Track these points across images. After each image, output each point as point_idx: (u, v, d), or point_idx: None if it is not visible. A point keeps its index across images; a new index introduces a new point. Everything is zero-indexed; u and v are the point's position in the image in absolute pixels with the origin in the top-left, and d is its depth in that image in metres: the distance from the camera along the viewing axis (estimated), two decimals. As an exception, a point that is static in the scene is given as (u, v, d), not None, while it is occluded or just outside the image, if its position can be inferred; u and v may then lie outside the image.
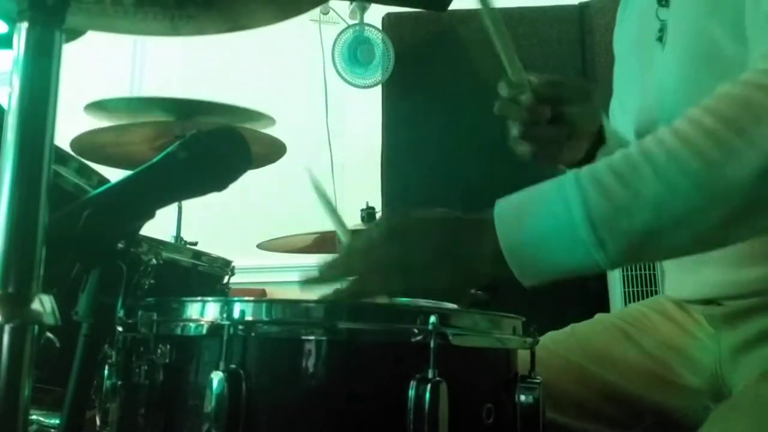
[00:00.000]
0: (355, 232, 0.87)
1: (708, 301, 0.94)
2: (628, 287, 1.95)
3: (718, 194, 0.66)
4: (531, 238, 0.69)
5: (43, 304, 0.50)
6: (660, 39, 0.95)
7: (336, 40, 2.69)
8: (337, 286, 0.73)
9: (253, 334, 0.62)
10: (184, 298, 0.67)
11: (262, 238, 2.11)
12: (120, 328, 0.69)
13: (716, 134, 0.66)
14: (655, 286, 1.91)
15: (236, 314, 0.62)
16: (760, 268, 0.86)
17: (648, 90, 0.98)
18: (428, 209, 0.77)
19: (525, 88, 0.96)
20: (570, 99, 0.99)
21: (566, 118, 0.98)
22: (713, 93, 0.69)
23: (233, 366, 0.61)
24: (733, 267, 0.87)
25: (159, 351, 0.66)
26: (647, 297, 1.31)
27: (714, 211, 0.66)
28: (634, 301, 1.72)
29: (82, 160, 1.25)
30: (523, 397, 0.71)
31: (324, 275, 0.75)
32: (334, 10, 2.89)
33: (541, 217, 0.69)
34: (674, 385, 0.95)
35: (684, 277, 0.98)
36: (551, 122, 0.98)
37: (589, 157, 1.02)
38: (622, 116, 1.13)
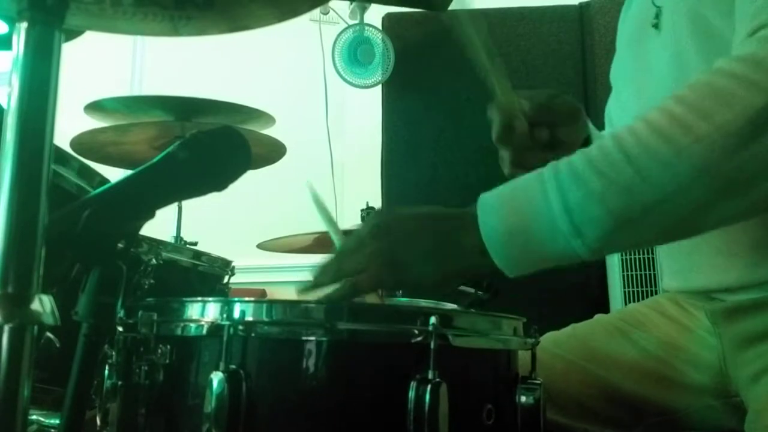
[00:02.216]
0: (346, 233, 0.87)
1: (707, 294, 0.94)
2: (628, 287, 1.95)
3: (687, 178, 0.66)
4: (510, 226, 0.70)
5: (43, 304, 0.50)
6: (656, 25, 0.95)
7: (336, 40, 2.68)
8: (331, 288, 0.74)
9: (253, 335, 0.62)
10: (185, 299, 0.67)
11: (262, 238, 2.10)
12: (120, 328, 0.69)
13: (683, 120, 0.67)
14: (655, 287, 1.91)
15: (236, 314, 0.62)
16: (750, 256, 0.86)
17: (644, 77, 0.98)
18: (416, 206, 0.78)
19: (516, 111, 0.95)
20: (562, 121, 0.99)
21: (559, 140, 0.98)
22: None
23: (233, 366, 0.61)
24: (723, 254, 0.88)
25: (159, 351, 0.66)
26: (647, 297, 1.31)
27: (684, 196, 0.67)
28: (634, 302, 1.72)
29: (83, 160, 1.25)
30: (523, 398, 0.71)
31: (318, 280, 0.75)
32: (334, 10, 2.89)
33: (520, 206, 0.70)
34: (676, 384, 0.95)
35: (677, 266, 0.98)
36: (545, 145, 0.97)
37: None
38: (619, 114, 1.13)
